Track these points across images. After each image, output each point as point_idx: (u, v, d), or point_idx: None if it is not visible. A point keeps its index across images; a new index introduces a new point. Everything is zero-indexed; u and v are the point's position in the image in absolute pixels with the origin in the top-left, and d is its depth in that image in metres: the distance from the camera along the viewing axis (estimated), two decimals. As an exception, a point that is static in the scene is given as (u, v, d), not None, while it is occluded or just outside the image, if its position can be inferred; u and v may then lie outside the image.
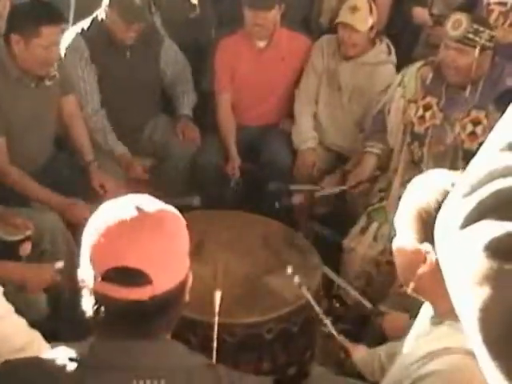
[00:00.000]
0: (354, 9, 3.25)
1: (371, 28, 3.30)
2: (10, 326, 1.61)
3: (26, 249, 2.38)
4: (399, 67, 3.28)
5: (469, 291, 0.62)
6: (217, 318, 2.02)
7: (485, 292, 0.59)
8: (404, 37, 3.80)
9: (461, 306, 0.65)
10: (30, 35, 2.66)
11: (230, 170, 3.45)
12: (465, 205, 0.64)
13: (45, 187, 2.81)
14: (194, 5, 3.84)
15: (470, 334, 0.63)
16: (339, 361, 2.17)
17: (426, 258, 1.40)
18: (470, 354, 1.28)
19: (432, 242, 1.38)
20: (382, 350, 1.96)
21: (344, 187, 3.20)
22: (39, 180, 2.84)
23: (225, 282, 2.28)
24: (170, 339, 1.23)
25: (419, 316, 1.60)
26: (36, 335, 1.67)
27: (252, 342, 2.27)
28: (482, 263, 0.60)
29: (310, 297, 2.24)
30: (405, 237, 1.46)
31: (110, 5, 3.09)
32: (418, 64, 3.02)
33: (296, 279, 2.26)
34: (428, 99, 2.91)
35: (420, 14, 3.71)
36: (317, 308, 2.23)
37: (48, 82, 2.88)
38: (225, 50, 3.55)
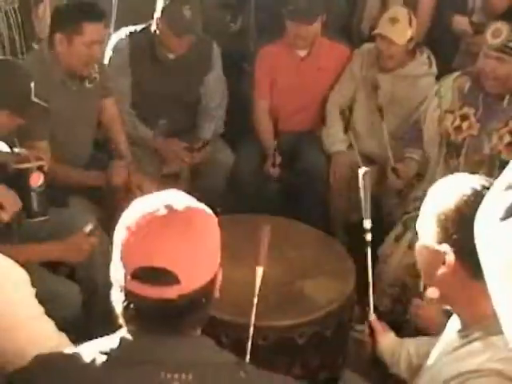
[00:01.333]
0: (394, 20, 3.22)
1: (410, 40, 3.27)
2: (40, 328, 1.62)
3: (37, 180, 2.33)
4: (438, 77, 3.26)
5: (506, 281, 0.63)
6: (255, 302, 2.03)
7: None
8: (444, 46, 3.77)
9: (499, 298, 0.66)
10: (73, 33, 2.74)
11: (270, 166, 3.48)
12: (506, 197, 0.65)
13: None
14: (235, 17, 3.88)
15: (505, 323, 0.64)
16: (370, 367, 2.17)
17: (444, 260, 1.40)
18: (502, 374, 1.29)
19: (451, 243, 1.39)
20: (410, 344, 1.93)
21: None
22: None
23: (260, 285, 2.30)
24: (199, 335, 1.24)
25: (448, 326, 1.60)
26: (64, 339, 1.67)
27: (284, 345, 2.27)
28: None
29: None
30: (425, 239, 1.47)
31: (162, 17, 3.14)
32: (455, 74, 3.01)
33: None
34: (465, 109, 2.89)
35: (460, 22, 3.70)
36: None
37: (88, 85, 2.95)
38: (265, 57, 3.58)
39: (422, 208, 1.50)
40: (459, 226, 1.37)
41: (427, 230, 1.45)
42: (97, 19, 2.78)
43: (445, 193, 1.44)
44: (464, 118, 2.89)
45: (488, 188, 1.38)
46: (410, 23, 3.25)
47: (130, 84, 3.33)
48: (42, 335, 1.60)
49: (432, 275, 1.45)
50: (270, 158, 3.50)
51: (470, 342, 1.41)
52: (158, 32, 3.21)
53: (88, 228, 2.46)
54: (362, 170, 2.18)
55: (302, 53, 3.53)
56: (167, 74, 3.31)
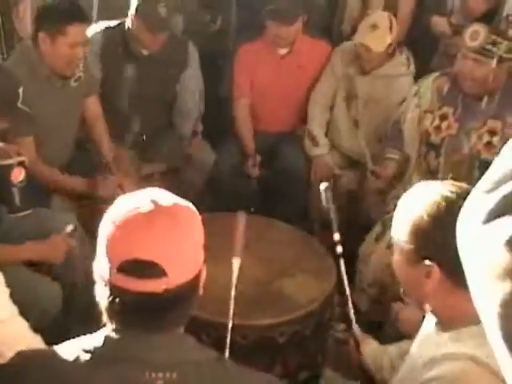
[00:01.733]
0: (374, 27, 3.23)
1: (389, 45, 3.28)
2: (12, 330, 1.61)
3: (18, 175, 2.36)
4: (417, 77, 3.28)
5: (489, 286, 0.62)
6: (233, 294, 2.01)
7: (506, 287, 0.59)
8: (422, 46, 3.80)
9: (480, 302, 0.65)
10: (56, 33, 2.72)
11: (250, 166, 3.49)
12: (488, 200, 0.65)
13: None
14: (215, 18, 3.88)
15: (489, 330, 0.63)
16: (350, 365, 2.17)
17: (429, 274, 1.39)
18: (473, 359, 1.29)
19: (431, 255, 1.39)
20: (393, 350, 1.94)
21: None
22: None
23: (239, 284, 2.30)
24: (182, 333, 1.24)
25: (424, 322, 1.60)
26: (37, 340, 1.66)
27: (264, 344, 2.28)
28: (504, 258, 0.60)
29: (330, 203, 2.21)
30: (402, 252, 1.46)
31: (136, 13, 3.13)
32: (434, 75, 3.02)
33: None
34: (444, 109, 2.91)
35: (439, 23, 3.72)
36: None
37: (73, 83, 2.94)
38: (245, 55, 3.58)
39: (394, 220, 1.49)
40: (437, 236, 1.36)
41: (403, 243, 1.44)
42: (81, 20, 2.76)
43: (416, 203, 1.42)
44: (443, 117, 2.91)
45: (458, 194, 1.39)
46: (391, 29, 3.25)
47: (100, 77, 3.29)
48: (13, 336, 1.59)
49: (416, 289, 1.45)
50: (250, 158, 3.50)
51: (446, 332, 1.42)
52: (132, 28, 3.19)
53: (69, 228, 2.46)
54: (322, 186, 2.18)
55: (283, 51, 3.53)
56: (140, 70, 3.30)
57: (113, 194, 2.82)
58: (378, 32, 3.23)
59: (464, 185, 1.45)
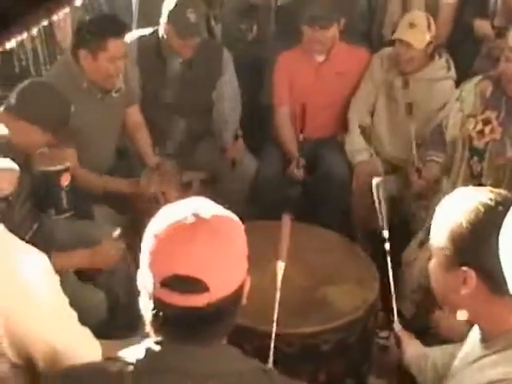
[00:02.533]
0: (412, 25, 3.24)
1: (428, 44, 3.28)
2: (65, 318, 1.61)
3: (66, 179, 2.55)
4: (459, 81, 3.25)
5: None
6: (278, 298, 2.02)
7: None
8: (465, 49, 3.76)
9: None
10: (97, 49, 2.77)
11: (294, 169, 3.49)
12: None
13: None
14: (250, 27, 3.90)
15: None
16: (395, 373, 2.16)
17: (466, 280, 1.38)
18: None
19: (468, 262, 1.37)
20: (436, 353, 1.91)
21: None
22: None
23: (282, 291, 2.30)
24: (225, 344, 1.24)
25: (469, 337, 1.58)
26: (87, 332, 1.67)
27: (309, 352, 2.28)
28: None
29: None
30: (441, 260, 1.44)
31: (167, 21, 3.17)
32: (476, 78, 2.99)
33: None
34: (487, 113, 2.87)
35: (482, 26, 3.67)
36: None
37: (114, 94, 3.00)
38: (283, 64, 3.60)
39: (432, 226, 1.48)
40: (475, 243, 1.35)
41: (441, 249, 1.43)
42: (120, 34, 2.81)
43: (454, 209, 1.41)
44: (486, 122, 2.87)
45: (497, 200, 1.37)
46: (429, 27, 3.26)
47: (139, 85, 3.34)
48: (80, 339, 1.60)
49: (453, 297, 1.43)
50: (293, 161, 3.51)
51: (492, 353, 1.40)
52: (165, 36, 3.24)
53: (116, 233, 2.51)
54: (375, 181, 2.17)
55: (320, 58, 3.55)
56: (176, 76, 3.34)
57: (155, 192, 2.89)
58: (417, 29, 3.24)
59: (503, 191, 1.44)
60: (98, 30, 2.79)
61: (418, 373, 1.93)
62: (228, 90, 3.51)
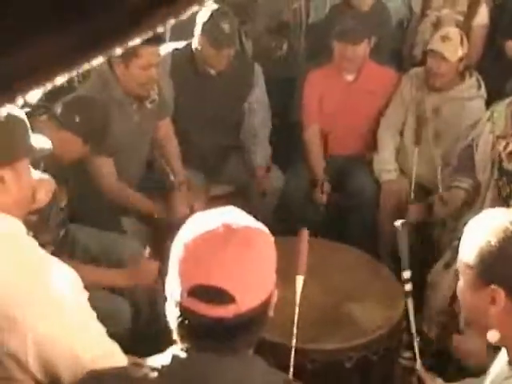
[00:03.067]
0: (446, 38, 3.25)
1: (461, 60, 3.27)
2: (94, 332, 1.61)
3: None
4: (490, 102, 3.23)
5: None
6: (297, 312, 2.00)
7: None
8: (496, 71, 3.75)
9: None
10: (129, 56, 2.80)
11: (318, 195, 3.49)
12: None
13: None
14: (281, 44, 3.93)
15: None
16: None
17: (494, 299, 1.38)
18: None
19: (497, 280, 1.37)
20: None
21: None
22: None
23: (307, 308, 2.30)
24: (251, 355, 1.24)
25: (497, 359, 1.57)
26: (116, 347, 1.66)
27: (331, 369, 2.27)
28: None
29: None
30: (469, 279, 1.44)
31: (202, 32, 3.20)
32: (508, 99, 2.97)
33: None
34: None
35: (513, 48, 3.67)
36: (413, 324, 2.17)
37: (149, 105, 3.03)
38: (314, 82, 3.61)
39: (460, 245, 1.48)
40: (503, 261, 1.36)
41: (469, 268, 1.43)
42: (153, 42, 2.83)
43: (483, 229, 1.42)
44: None
45: None
46: (462, 42, 3.26)
47: (172, 98, 3.36)
48: (96, 340, 1.59)
49: (482, 317, 1.43)
50: (318, 186, 3.51)
51: None
52: (199, 48, 3.26)
53: (147, 252, 2.51)
54: (398, 222, 2.17)
55: (350, 77, 3.56)
56: (209, 90, 3.35)
57: (186, 213, 2.90)
58: (450, 43, 3.25)
59: None
60: None
61: None
62: (258, 105, 3.52)
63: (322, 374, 2.25)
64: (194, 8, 0.55)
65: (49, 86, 0.53)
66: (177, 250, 1.19)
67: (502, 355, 1.51)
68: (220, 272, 1.13)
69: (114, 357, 1.60)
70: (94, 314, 1.59)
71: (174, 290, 1.18)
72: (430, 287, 2.95)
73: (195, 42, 3.29)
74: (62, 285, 1.52)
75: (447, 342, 2.71)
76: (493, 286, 1.37)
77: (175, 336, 1.21)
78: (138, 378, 1.19)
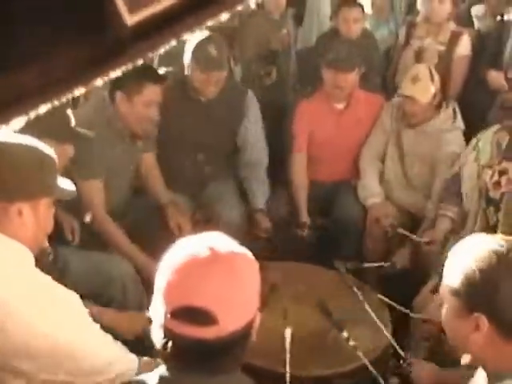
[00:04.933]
0: (415, 79, 3.26)
1: (434, 95, 3.29)
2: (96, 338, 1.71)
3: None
4: (473, 130, 3.26)
5: None
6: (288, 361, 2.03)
7: None
8: (479, 100, 3.80)
9: None
10: (133, 92, 2.84)
11: (299, 228, 3.51)
12: None
13: (132, 243, 2.91)
14: (270, 73, 3.96)
15: None
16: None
17: (478, 326, 1.40)
18: None
19: (481, 308, 1.40)
20: None
21: (416, 238, 3.20)
22: (116, 222, 2.97)
23: (295, 333, 2.31)
24: (237, 374, 1.25)
25: (475, 377, 1.60)
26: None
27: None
28: None
29: (365, 359, 2.24)
30: (453, 307, 1.47)
31: (191, 58, 3.21)
32: (494, 128, 3.01)
33: (351, 342, 2.27)
34: (504, 164, 2.88)
35: (495, 78, 3.71)
36: (373, 370, 2.22)
37: (139, 142, 3.08)
38: (304, 112, 3.63)
39: (444, 274, 1.50)
40: (486, 290, 1.38)
41: (453, 296, 1.45)
42: (157, 81, 2.89)
43: (466, 257, 1.44)
44: (502, 173, 2.88)
45: (509, 248, 1.40)
46: (432, 79, 3.27)
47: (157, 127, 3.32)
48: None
49: (465, 343, 1.45)
50: (300, 219, 3.52)
51: None
52: (189, 74, 3.26)
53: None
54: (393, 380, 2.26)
55: (340, 105, 3.59)
56: (198, 117, 3.35)
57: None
58: (421, 83, 3.26)
59: None
60: (135, 74, 2.85)
61: None
62: (252, 134, 3.51)
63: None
64: (179, 38, 0.57)
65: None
66: (162, 272, 1.21)
67: (480, 373, 1.54)
68: (203, 294, 1.16)
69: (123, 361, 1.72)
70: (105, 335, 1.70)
71: (158, 312, 1.20)
72: (416, 311, 2.96)
73: (185, 69, 3.31)
74: (74, 306, 1.61)
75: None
76: (476, 314, 1.39)
77: (160, 358, 1.24)
78: None
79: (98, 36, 0.55)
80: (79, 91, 0.58)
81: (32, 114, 0.55)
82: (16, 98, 0.53)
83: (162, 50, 0.59)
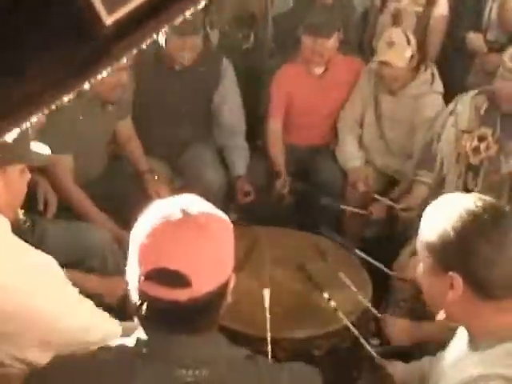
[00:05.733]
0: (390, 44, 3.22)
1: (411, 58, 3.25)
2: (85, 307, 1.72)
3: None
4: (452, 94, 3.24)
5: None
6: (268, 322, 2.04)
7: None
8: (457, 63, 3.79)
9: None
10: None
11: (279, 186, 3.51)
12: None
13: (102, 210, 2.88)
14: (248, 36, 3.91)
15: None
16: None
17: (452, 285, 1.41)
18: (505, 378, 1.31)
19: (455, 267, 1.41)
20: (425, 360, 1.94)
21: (393, 204, 3.22)
22: (93, 189, 2.95)
23: (277, 296, 2.32)
24: (213, 333, 1.26)
25: (455, 339, 1.62)
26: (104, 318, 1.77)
27: (301, 357, 2.28)
28: None
29: (346, 320, 2.27)
30: (427, 266, 1.47)
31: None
32: (472, 93, 3.00)
33: (332, 303, 2.28)
34: (483, 130, 2.88)
35: (474, 39, 3.69)
36: (354, 331, 2.24)
37: (110, 108, 3.01)
38: (282, 78, 3.61)
39: (419, 235, 1.51)
40: (461, 249, 1.39)
41: (428, 255, 1.46)
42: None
43: (440, 216, 1.44)
44: (482, 138, 2.88)
45: (483, 207, 1.41)
46: (408, 42, 3.23)
47: (132, 91, 3.29)
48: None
49: (441, 301, 1.46)
50: (278, 180, 3.53)
51: (475, 354, 1.44)
52: (164, 40, 3.22)
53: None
54: None
55: (319, 70, 3.56)
56: (172, 84, 3.32)
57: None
58: (396, 47, 3.21)
59: (489, 198, 1.47)
60: None
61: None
62: (228, 99, 3.48)
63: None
64: (161, 29, 0.57)
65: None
66: (136, 235, 1.21)
67: (461, 335, 1.56)
68: (175, 255, 1.16)
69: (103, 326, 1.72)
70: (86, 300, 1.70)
71: (133, 274, 1.21)
72: (395, 275, 2.99)
73: (160, 36, 3.24)
74: (48, 268, 1.60)
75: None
76: (451, 273, 1.40)
77: (136, 320, 1.24)
78: (105, 361, 1.22)
79: (79, 40, 0.54)
80: (67, 97, 0.58)
81: (22, 126, 0.55)
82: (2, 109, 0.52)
83: (145, 44, 0.59)
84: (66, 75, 0.55)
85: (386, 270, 2.67)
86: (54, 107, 0.56)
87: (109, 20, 0.55)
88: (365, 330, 2.49)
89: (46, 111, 0.56)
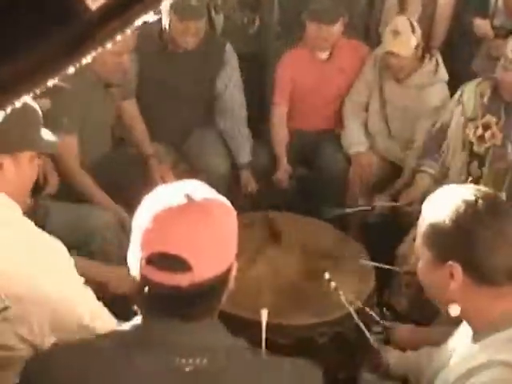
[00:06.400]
0: (396, 33, 3.20)
1: (417, 47, 3.24)
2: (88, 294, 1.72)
3: None
4: (458, 80, 3.23)
5: None
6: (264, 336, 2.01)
7: None
8: (464, 49, 3.76)
9: None
10: None
11: (279, 178, 3.51)
12: None
13: (106, 193, 2.89)
14: (253, 20, 3.88)
15: None
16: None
17: (453, 275, 1.41)
18: (507, 364, 1.30)
19: (454, 256, 1.41)
20: (421, 355, 1.93)
21: (396, 204, 3.20)
22: (98, 173, 2.95)
23: (280, 282, 2.31)
24: (212, 321, 1.25)
25: (458, 333, 1.62)
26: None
27: (304, 345, 2.28)
28: None
29: (344, 300, 2.24)
30: (427, 257, 1.48)
31: (170, 8, 3.13)
32: (476, 80, 2.99)
33: (333, 284, 2.27)
34: (487, 118, 2.87)
35: (481, 25, 3.66)
36: (354, 315, 2.23)
37: (114, 90, 3.02)
38: (287, 63, 3.59)
39: (418, 227, 1.51)
40: (458, 239, 1.40)
41: (427, 246, 1.47)
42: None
43: (438, 207, 1.45)
44: (486, 127, 2.87)
45: (480, 197, 1.41)
46: (413, 31, 3.21)
47: (135, 73, 3.29)
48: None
49: (441, 291, 1.47)
50: (280, 170, 3.52)
51: (477, 344, 1.45)
52: (167, 24, 3.19)
53: None
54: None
55: (324, 55, 3.54)
56: (175, 68, 3.31)
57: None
58: (401, 37, 3.20)
59: (487, 189, 1.49)
60: None
61: (413, 376, 1.93)
62: (230, 84, 3.46)
63: (294, 350, 2.25)
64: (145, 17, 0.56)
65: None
66: (139, 218, 1.21)
67: (464, 330, 1.55)
68: (177, 240, 1.15)
69: (103, 317, 1.71)
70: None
71: (134, 258, 1.20)
72: (399, 261, 2.98)
73: (164, 20, 3.23)
74: (58, 253, 1.62)
75: (416, 315, 2.76)
76: (450, 262, 1.41)
77: (136, 305, 1.23)
78: (103, 348, 1.22)
79: (65, 26, 0.53)
80: (54, 81, 0.57)
81: (8, 110, 0.54)
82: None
83: (132, 28, 0.57)
84: (51, 58, 0.54)
85: (393, 268, 2.65)
86: (38, 91, 0.56)
87: (94, 4, 0.53)
88: (367, 318, 2.49)
89: (31, 94, 0.56)
